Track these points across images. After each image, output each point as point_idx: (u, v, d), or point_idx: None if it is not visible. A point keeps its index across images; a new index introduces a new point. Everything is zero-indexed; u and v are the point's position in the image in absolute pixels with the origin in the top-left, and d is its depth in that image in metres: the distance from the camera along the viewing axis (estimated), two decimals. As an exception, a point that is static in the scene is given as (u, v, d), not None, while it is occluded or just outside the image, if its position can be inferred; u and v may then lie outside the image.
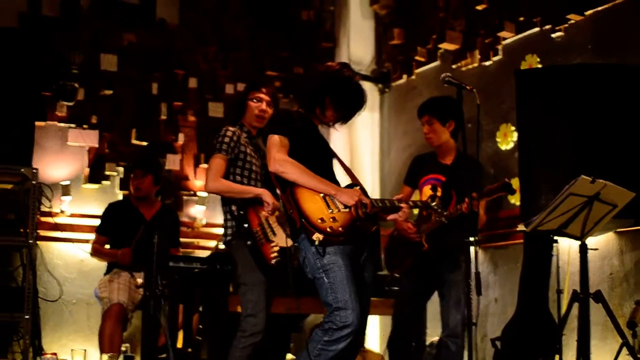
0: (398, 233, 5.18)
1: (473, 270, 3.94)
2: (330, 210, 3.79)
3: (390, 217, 4.06)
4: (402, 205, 4.05)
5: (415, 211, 5.12)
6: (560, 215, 4.15)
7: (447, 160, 5.18)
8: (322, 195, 3.82)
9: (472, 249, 4.02)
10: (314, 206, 3.79)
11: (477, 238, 4.01)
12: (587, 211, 4.16)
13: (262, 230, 4.47)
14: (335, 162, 4.16)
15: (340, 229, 3.75)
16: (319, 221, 3.74)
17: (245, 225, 4.47)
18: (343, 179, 4.07)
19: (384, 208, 4.00)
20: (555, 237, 5.03)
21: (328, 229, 3.73)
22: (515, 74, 4.89)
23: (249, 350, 4.45)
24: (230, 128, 4.73)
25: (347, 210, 3.82)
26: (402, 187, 5.36)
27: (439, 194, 4.93)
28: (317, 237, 3.70)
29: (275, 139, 3.89)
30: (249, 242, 4.44)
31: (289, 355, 5.81)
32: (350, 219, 3.81)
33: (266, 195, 4.46)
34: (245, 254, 4.47)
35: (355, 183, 4.05)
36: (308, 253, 3.79)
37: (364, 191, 4.00)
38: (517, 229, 5.25)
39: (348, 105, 4.04)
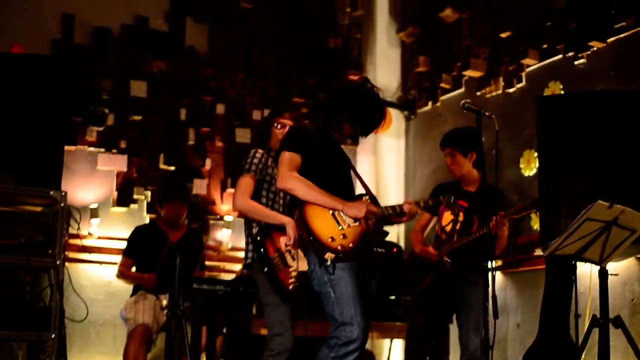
0: (418, 254, 5.23)
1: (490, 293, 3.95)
2: (340, 227, 3.81)
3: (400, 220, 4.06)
4: (406, 206, 4.02)
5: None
6: (578, 239, 4.15)
7: (471, 189, 5.23)
8: (331, 212, 3.84)
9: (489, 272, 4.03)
10: (323, 224, 3.80)
11: (495, 262, 4.02)
12: (605, 236, 4.15)
13: (279, 256, 4.45)
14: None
15: (350, 245, 3.78)
16: (330, 240, 3.76)
17: (262, 251, 4.47)
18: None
19: (394, 213, 3.99)
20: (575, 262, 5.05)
21: (339, 247, 3.75)
22: (536, 100, 4.92)
23: None
24: (260, 150, 4.77)
25: (357, 224, 3.84)
26: (422, 214, 5.38)
27: (460, 218, 5.00)
28: (329, 256, 3.73)
29: (285, 156, 3.92)
30: (265, 269, 4.44)
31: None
32: (360, 233, 3.83)
33: (290, 226, 4.26)
34: (263, 278, 4.49)
35: (363, 193, 4.06)
36: (316, 266, 3.81)
37: (373, 200, 4.01)
38: (535, 253, 5.25)
39: (364, 121, 4.04)
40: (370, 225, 3.85)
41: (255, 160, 4.68)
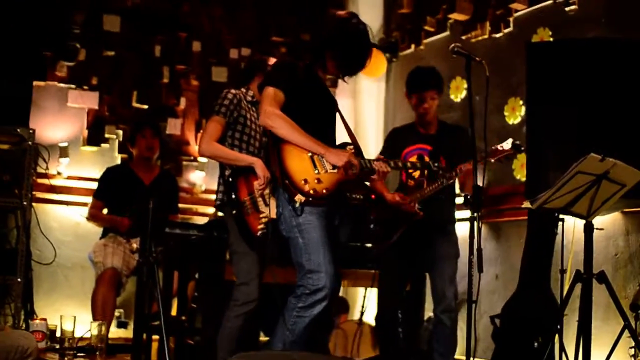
0: (389, 204, 5.05)
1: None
2: (317, 171, 3.69)
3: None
4: (376, 164, 3.90)
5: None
6: (567, 193, 4.03)
7: (430, 130, 5.07)
8: (310, 154, 3.71)
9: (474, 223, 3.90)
10: (299, 165, 3.68)
11: (480, 213, 3.89)
12: (594, 190, 4.04)
13: (251, 200, 4.32)
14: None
15: (324, 191, 3.67)
16: (302, 182, 3.64)
17: (233, 195, 4.35)
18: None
19: (372, 170, 3.88)
20: (561, 216, 4.95)
21: (311, 191, 3.64)
22: (526, 46, 4.76)
23: (242, 319, 4.38)
24: (232, 90, 4.60)
25: (334, 171, 3.72)
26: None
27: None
28: (299, 198, 3.62)
29: (269, 91, 3.77)
30: (234, 212, 4.32)
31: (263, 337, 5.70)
32: (336, 181, 3.72)
33: (258, 166, 4.23)
34: (233, 223, 4.38)
35: (349, 143, 3.94)
36: (285, 210, 3.71)
37: (358, 151, 3.88)
38: (523, 206, 5.15)
39: (349, 59, 3.89)
40: (351, 176, 3.73)
41: (226, 102, 4.52)
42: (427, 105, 4.99)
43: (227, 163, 4.46)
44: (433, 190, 4.84)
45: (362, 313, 6.55)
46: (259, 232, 4.26)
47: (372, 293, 7.08)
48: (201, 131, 7.06)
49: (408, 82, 5.08)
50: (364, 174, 3.87)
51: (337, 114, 4.03)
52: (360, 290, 6.80)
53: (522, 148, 4.72)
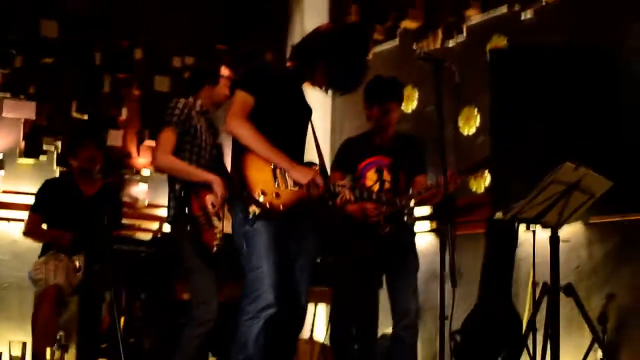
0: (351, 215, 4.86)
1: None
2: (277, 185, 3.53)
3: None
4: (341, 190, 3.72)
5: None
6: (540, 203, 3.94)
7: (386, 142, 4.86)
8: (273, 167, 3.55)
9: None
10: (259, 176, 3.51)
11: (451, 224, 3.74)
12: (565, 200, 3.97)
13: (204, 215, 4.20)
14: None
15: (280, 206, 3.51)
16: (259, 193, 3.47)
17: (187, 210, 4.20)
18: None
19: (335, 194, 3.71)
20: (522, 227, 4.89)
21: (267, 204, 3.47)
22: (489, 52, 4.69)
23: (201, 339, 4.23)
24: (182, 100, 4.43)
25: (295, 189, 3.56)
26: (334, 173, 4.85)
27: (385, 177, 4.71)
28: (253, 210, 3.46)
29: (240, 96, 3.60)
30: (188, 228, 4.17)
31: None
32: (296, 199, 3.56)
33: (217, 184, 4.17)
34: (186, 239, 4.23)
35: (314, 163, 3.75)
36: (236, 218, 3.58)
37: (323, 171, 3.71)
38: (495, 217, 5.06)
39: (347, 75, 3.69)
40: (313, 195, 3.57)
41: (177, 112, 4.35)
42: (391, 117, 4.81)
43: (182, 178, 4.30)
44: (406, 204, 4.66)
45: (311, 331, 6.40)
46: (215, 248, 4.14)
47: (321, 309, 6.92)
48: (143, 143, 6.89)
49: (368, 92, 4.85)
50: (326, 196, 3.70)
51: (310, 125, 3.86)
52: (309, 308, 6.63)
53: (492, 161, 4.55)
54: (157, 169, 4.47)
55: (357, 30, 3.78)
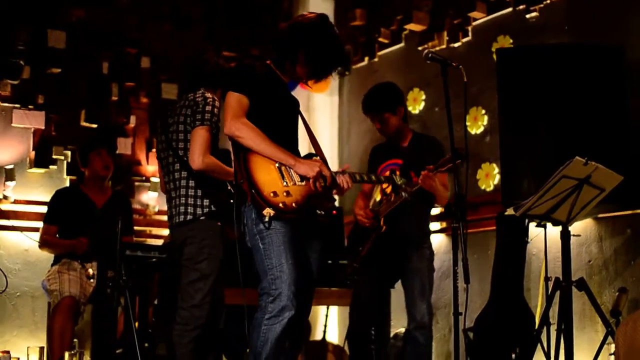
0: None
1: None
2: (285, 183, 3.51)
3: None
4: (340, 177, 3.71)
5: (378, 197, 4.93)
6: (551, 199, 3.95)
7: (403, 143, 4.98)
8: (277, 165, 3.53)
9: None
10: (267, 177, 3.50)
11: (463, 222, 3.76)
12: (575, 195, 3.97)
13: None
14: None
15: (293, 204, 3.49)
16: (271, 195, 3.46)
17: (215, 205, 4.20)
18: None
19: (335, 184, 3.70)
20: (533, 224, 4.88)
21: (280, 205, 3.45)
22: (496, 52, 4.70)
23: (193, 343, 4.22)
24: (217, 99, 4.35)
25: (303, 183, 3.54)
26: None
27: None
28: (268, 212, 3.43)
29: (234, 98, 3.58)
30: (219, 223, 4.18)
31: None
32: (307, 194, 3.54)
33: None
34: (213, 236, 4.22)
35: (314, 153, 3.77)
36: (248, 220, 3.55)
37: (324, 162, 3.70)
38: (506, 214, 5.05)
39: (324, 61, 3.69)
40: (319, 188, 3.55)
41: (216, 110, 4.30)
42: (389, 125, 4.91)
43: (220, 178, 4.30)
44: (394, 204, 4.70)
45: (324, 332, 6.40)
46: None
47: (333, 311, 6.93)
48: (152, 150, 6.87)
49: (364, 105, 5.03)
50: (330, 187, 3.69)
51: (299, 116, 3.86)
52: (322, 309, 6.64)
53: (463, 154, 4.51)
54: (198, 168, 4.26)
55: (324, 18, 3.76)
